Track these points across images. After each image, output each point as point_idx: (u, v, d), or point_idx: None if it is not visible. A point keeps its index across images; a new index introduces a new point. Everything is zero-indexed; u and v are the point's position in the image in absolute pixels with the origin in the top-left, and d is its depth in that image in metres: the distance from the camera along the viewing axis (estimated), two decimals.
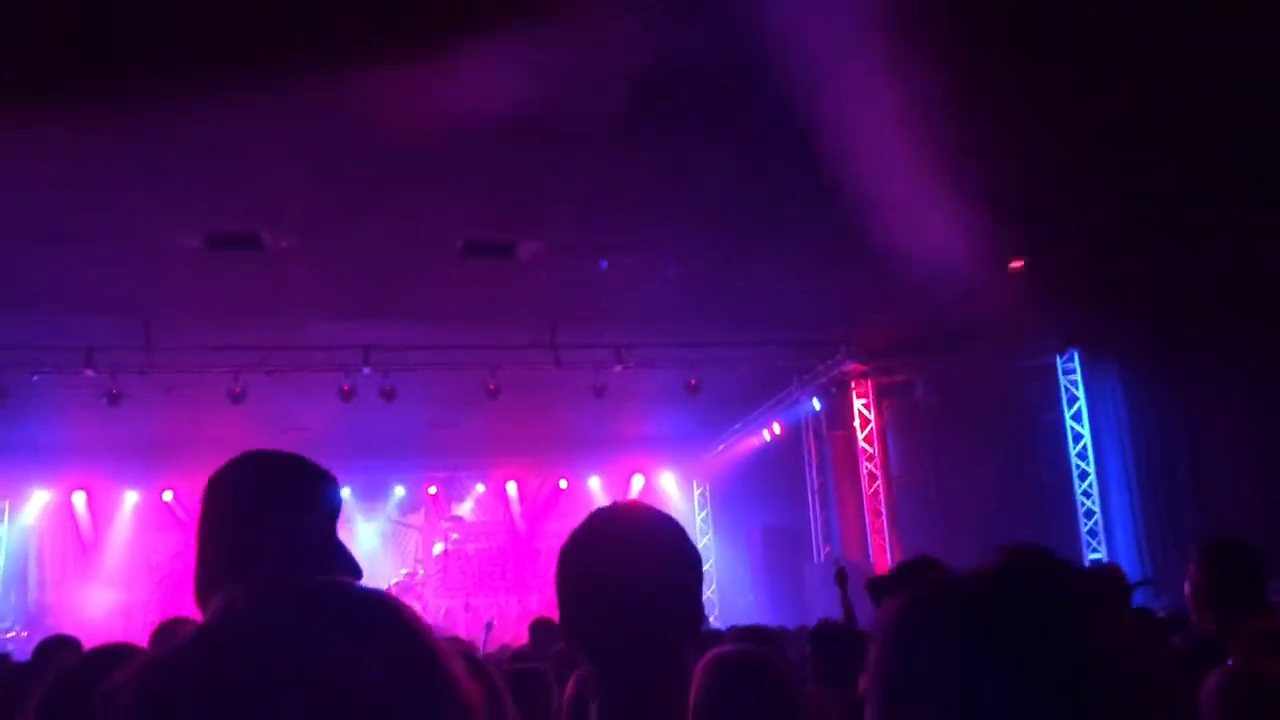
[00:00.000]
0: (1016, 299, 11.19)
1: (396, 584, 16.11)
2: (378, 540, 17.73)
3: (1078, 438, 12.80)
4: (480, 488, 18.56)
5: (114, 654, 2.00)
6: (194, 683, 0.87)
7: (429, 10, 5.88)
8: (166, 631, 4.23)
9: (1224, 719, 2.06)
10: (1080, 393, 12.84)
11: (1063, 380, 13.00)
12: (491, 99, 6.92)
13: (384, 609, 0.96)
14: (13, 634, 15.01)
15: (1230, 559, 3.28)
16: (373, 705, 0.87)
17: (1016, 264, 10.54)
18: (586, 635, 1.65)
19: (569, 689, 3.56)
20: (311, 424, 13.83)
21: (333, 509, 1.93)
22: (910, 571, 2.70)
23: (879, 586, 2.67)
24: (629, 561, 1.65)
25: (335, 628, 0.90)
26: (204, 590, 1.80)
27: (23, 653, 13.53)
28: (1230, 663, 2.15)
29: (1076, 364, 12.94)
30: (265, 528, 1.80)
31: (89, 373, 11.43)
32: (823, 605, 12.45)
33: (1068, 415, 12.89)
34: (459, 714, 0.93)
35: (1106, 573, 4.51)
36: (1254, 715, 2.03)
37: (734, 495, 17.41)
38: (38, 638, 14.60)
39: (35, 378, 11.55)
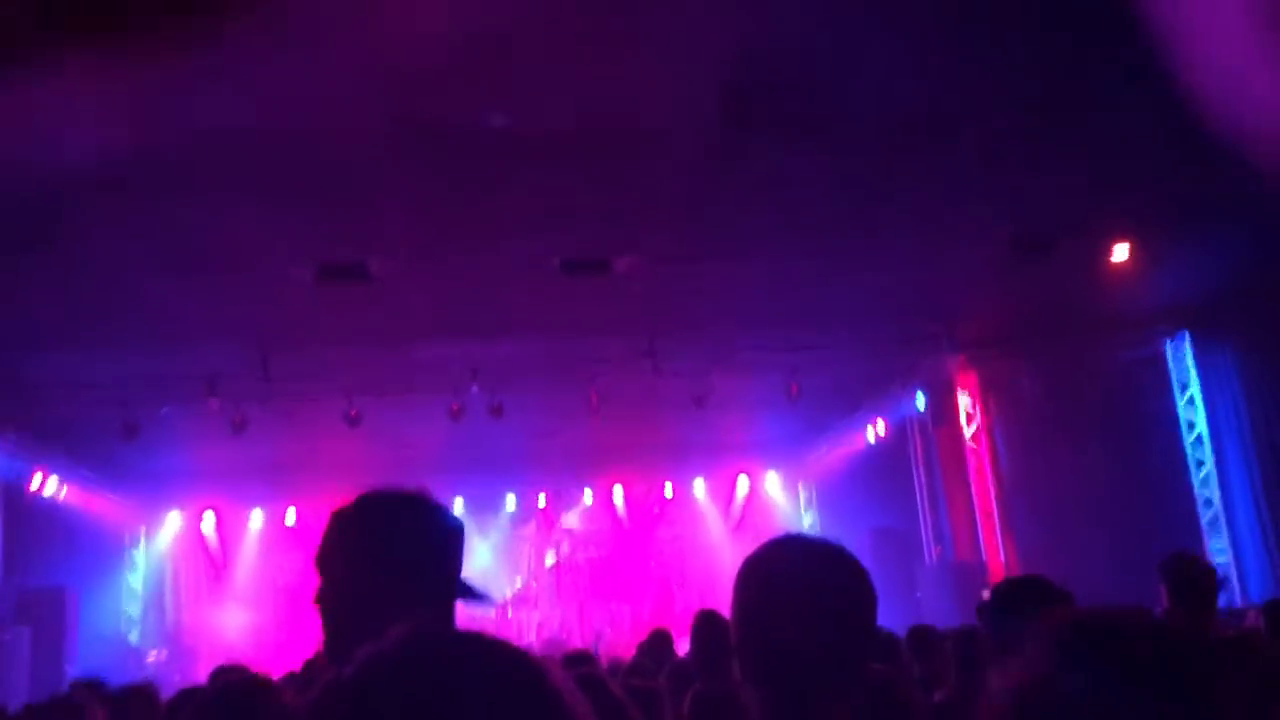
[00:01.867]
0: (1121, 285, 10.96)
1: (511, 596, 16.45)
2: (491, 554, 18.10)
3: (1191, 426, 12.45)
4: (588, 497, 18.81)
5: (247, 691, 2.18)
6: None
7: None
8: (311, 670, 4.54)
9: None
10: (1193, 379, 12.48)
11: (1173, 367, 12.65)
12: (584, 113, 7.11)
13: (528, 679, 0.95)
14: (153, 655, 15.73)
15: None
16: None
17: (1121, 248, 10.33)
18: (763, 662, 1.67)
19: (686, 709, 3.65)
20: (423, 442, 14.24)
21: (458, 547, 1.94)
22: (1021, 592, 2.76)
23: (992, 610, 2.72)
24: (810, 590, 1.67)
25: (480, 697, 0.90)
26: (336, 633, 1.84)
27: (165, 672, 14.23)
28: None
29: (1187, 349, 12.58)
30: (395, 574, 1.82)
31: (213, 402, 11.97)
32: (936, 607, 12.35)
33: (1180, 403, 12.55)
34: None
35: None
36: None
37: (841, 496, 17.32)
38: (176, 658, 15.24)
39: (164, 410, 12.14)
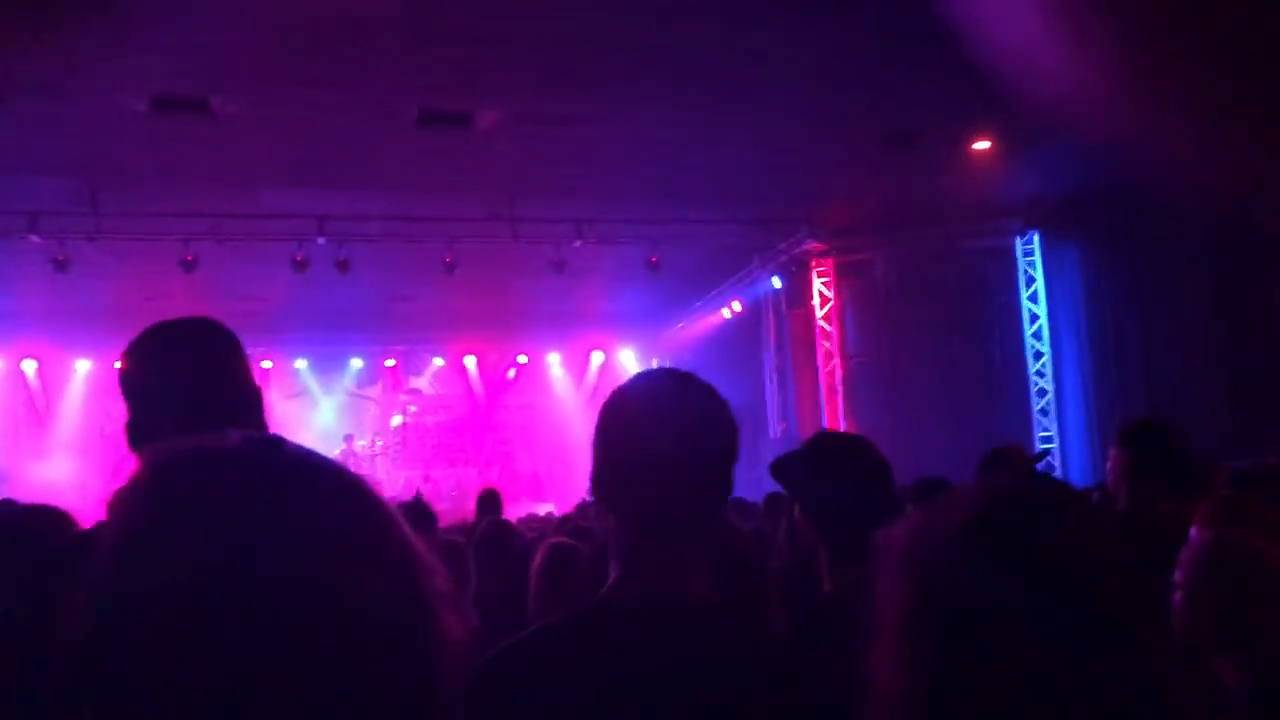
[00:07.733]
0: (979, 180, 11.13)
1: (338, 453, 16.24)
2: (334, 413, 17.72)
3: (1034, 318, 12.93)
4: (439, 361, 18.53)
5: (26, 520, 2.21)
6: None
7: None
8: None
9: (1211, 588, 2.08)
10: (1039, 274, 12.92)
11: (1021, 262, 13.06)
12: None
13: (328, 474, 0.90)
14: None
15: (1149, 440, 3.42)
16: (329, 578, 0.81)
17: (981, 144, 10.45)
18: (624, 494, 1.62)
19: (538, 559, 3.61)
20: (266, 294, 13.66)
21: (238, 363, 2.02)
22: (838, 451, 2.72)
23: (784, 467, 2.64)
24: (677, 423, 1.64)
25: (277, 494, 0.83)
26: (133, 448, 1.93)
27: None
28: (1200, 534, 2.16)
29: (1036, 245, 12.98)
30: (171, 387, 1.95)
31: (34, 238, 11.13)
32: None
33: (1024, 296, 13.00)
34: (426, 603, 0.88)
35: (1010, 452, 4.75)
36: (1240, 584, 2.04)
37: (691, 370, 17.51)
38: None
39: None
